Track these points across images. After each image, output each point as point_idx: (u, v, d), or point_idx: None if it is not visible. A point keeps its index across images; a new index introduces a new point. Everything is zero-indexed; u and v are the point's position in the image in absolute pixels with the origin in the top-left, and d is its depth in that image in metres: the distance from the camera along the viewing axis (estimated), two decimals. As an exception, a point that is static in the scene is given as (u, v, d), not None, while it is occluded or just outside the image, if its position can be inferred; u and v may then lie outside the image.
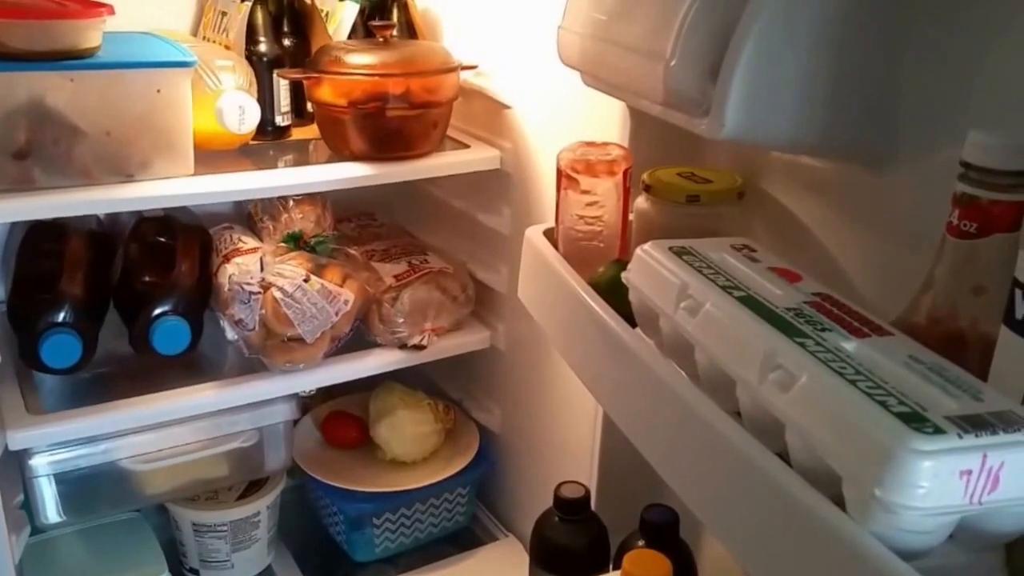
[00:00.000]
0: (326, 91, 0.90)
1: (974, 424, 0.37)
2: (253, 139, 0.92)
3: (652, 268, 0.55)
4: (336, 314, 0.90)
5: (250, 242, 0.98)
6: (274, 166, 0.93)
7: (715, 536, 0.48)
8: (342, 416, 1.12)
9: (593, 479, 0.89)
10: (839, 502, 0.40)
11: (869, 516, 0.37)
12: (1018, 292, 0.41)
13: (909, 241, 0.56)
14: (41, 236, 0.93)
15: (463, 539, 1.10)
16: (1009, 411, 0.39)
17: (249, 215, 1.03)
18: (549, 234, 0.73)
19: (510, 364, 1.05)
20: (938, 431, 0.37)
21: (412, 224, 1.18)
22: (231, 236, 0.99)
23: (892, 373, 0.42)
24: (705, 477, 0.48)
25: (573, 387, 0.91)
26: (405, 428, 1.06)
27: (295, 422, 1.02)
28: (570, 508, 0.79)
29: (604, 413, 0.87)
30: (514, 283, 0.80)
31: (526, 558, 0.87)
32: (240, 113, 0.86)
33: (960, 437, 0.37)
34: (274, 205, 0.98)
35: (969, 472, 0.36)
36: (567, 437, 0.95)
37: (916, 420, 0.38)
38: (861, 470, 0.38)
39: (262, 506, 1.01)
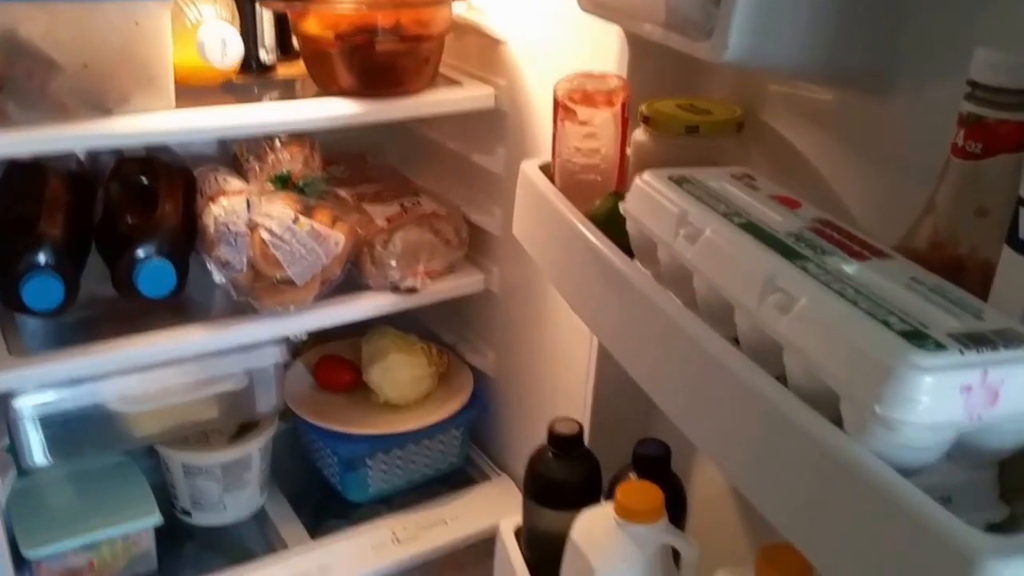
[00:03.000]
0: (312, 23, 0.87)
1: (975, 341, 0.37)
2: (237, 76, 0.89)
3: (651, 197, 0.54)
4: (327, 256, 0.88)
5: (236, 183, 0.96)
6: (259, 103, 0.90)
7: (711, 461, 0.49)
8: (334, 360, 1.12)
9: (586, 418, 0.89)
10: (837, 423, 0.40)
11: (868, 433, 0.37)
12: (1022, 211, 0.41)
13: (909, 170, 0.55)
14: (19, 177, 0.90)
15: (456, 479, 1.11)
16: (1010, 328, 0.38)
17: (235, 156, 1.00)
18: (545, 168, 0.72)
19: (504, 307, 1.04)
20: (939, 347, 0.37)
21: (404, 166, 1.16)
22: (216, 177, 0.96)
23: (893, 294, 0.42)
24: (702, 402, 0.48)
25: (567, 328, 0.91)
26: (398, 372, 1.06)
27: (286, 366, 1.01)
28: (564, 444, 0.80)
29: (598, 353, 0.87)
30: (508, 225, 0.79)
31: (519, 495, 0.88)
32: (222, 46, 0.83)
33: (961, 353, 0.36)
34: (260, 146, 0.95)
35: (969, 388, 0.36)
36: (561, 378, 0.95)
37: (917, 337, 0.37)
38: (860, 388, 0.38)
39: (253, 448, 1.01)
